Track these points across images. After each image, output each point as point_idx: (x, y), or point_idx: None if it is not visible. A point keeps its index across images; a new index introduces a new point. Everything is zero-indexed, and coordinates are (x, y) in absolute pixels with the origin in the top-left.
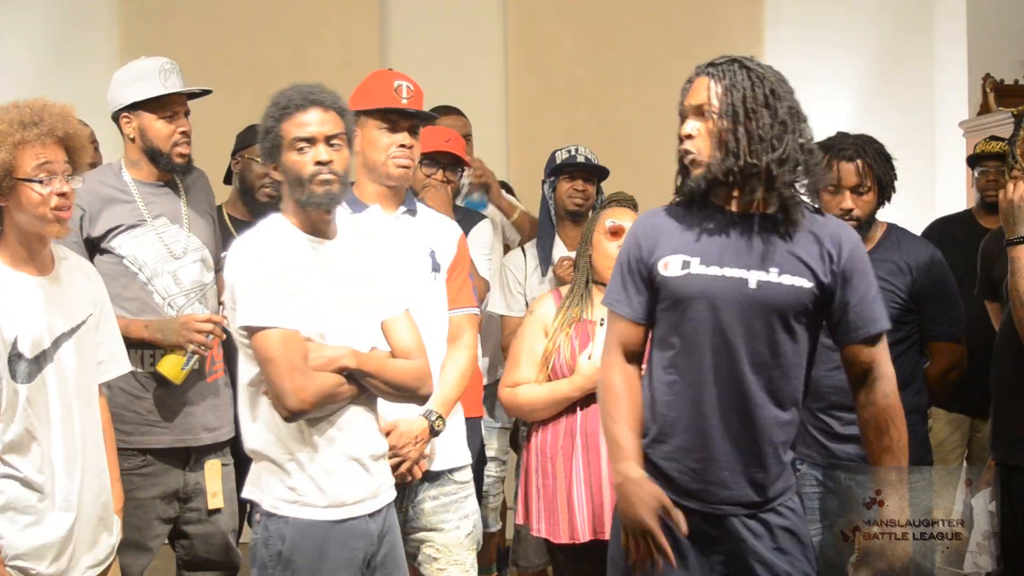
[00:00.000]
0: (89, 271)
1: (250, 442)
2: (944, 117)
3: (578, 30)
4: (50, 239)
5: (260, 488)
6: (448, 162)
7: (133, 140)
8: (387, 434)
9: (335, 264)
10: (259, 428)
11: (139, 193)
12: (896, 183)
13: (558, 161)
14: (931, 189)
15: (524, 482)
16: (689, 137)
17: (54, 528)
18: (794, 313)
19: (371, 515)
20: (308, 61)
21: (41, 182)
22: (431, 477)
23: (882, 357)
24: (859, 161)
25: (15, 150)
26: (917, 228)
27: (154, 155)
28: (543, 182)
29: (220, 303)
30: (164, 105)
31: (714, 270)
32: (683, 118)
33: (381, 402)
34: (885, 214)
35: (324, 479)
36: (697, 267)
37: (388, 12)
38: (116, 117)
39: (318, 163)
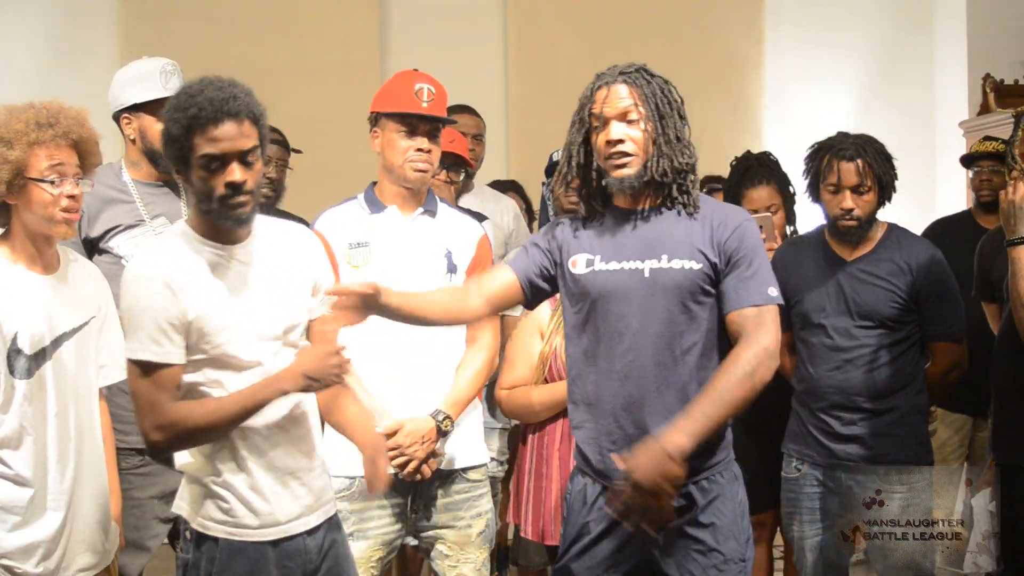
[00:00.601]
0: (95, 274)
1: (179, 459)
2: (944, 117)
3: (578, 30)
4: (56, 240)
5: (189, 505)
6: (451, 162)
7: (133, 141)
8: (394, 433)
9: (240, 270)
10: (183, 453)
11: (138, 193)
12: (896, 183)
13: (555, 160)
14: (931, 189)
15: (516, 483)
16: (620, 141)
17: (43, 527)
18: (690, 294)
19: (310, 532)
20: (308, 61)
21: (52, 183)
22: (444, 475)
23: (757, 324)
24: (859, 161)
25: (29, 149)
26: (917, 228)
27: (154, 156)
28: (543, 183)
29: None
30: (165, 107)
31: (613, 265)
32: (598, 124)
33: (390, 401)
34: (885, 214)
35: (255, 499)
36: (599, 264)
37: (388, 12)
38: (117, 117)
39: (229, 184)
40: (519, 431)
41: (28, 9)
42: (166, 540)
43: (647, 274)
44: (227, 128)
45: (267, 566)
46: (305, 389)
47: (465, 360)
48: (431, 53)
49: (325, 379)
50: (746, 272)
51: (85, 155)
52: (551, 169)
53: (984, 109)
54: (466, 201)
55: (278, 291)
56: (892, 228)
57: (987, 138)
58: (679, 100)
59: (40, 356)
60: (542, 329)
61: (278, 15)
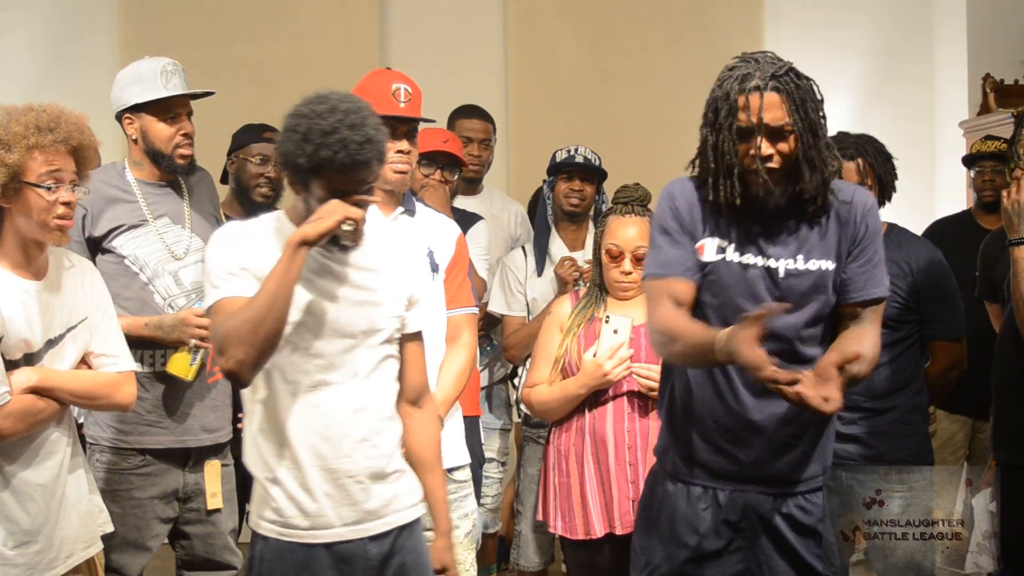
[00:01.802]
0: (89, 273)
1: (246, 457)
2: (944, 117)
3: (578, 30)
4: (48, 245)
5: (253, 503)
6: (446, 162)
7: (136, 141)
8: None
9: (328, 263)
10: (247, 444)
11: (142, 193)
12: (896, 182)
13: (557, 160)
14: (931, 189)
15: (543, 481)
16: (770, 158)
17: (23, 517)
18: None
19: (373, 538)
20: (308, 61)
21: (48, 188)
22: (446, 479)
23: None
24: (860, 160)
25: (27, 153)
26: (917, 228)
27: (155, 156)
28: (544, 181)
29: None
30: (166, 107)
31: (748, 258)
32: (749, 134)
33: None
34: (885, 214)
35: (305, 498)
36: (731, 254)
37: (388, 12)
38: (119, 117)
39: (349, 221)
40: (519, 431)
41: (28, 9)
42: (166, 540)
43: (782, 273)
44: (357, 174)
45: (318, 569)
46: (304, 240)
47: (448, 360)
48: (431, 53)
49: (326, 225)
50: (874, 259)
51: (83, 162)
52: (555, 168)
53: (984, 109)
54: (473, 204)
55: (365, 294)
56: (892, 228)
57: (989, 138)
58: (822, 99)
59: (20, 363)
60: (563, 326)
61: (278, 15)
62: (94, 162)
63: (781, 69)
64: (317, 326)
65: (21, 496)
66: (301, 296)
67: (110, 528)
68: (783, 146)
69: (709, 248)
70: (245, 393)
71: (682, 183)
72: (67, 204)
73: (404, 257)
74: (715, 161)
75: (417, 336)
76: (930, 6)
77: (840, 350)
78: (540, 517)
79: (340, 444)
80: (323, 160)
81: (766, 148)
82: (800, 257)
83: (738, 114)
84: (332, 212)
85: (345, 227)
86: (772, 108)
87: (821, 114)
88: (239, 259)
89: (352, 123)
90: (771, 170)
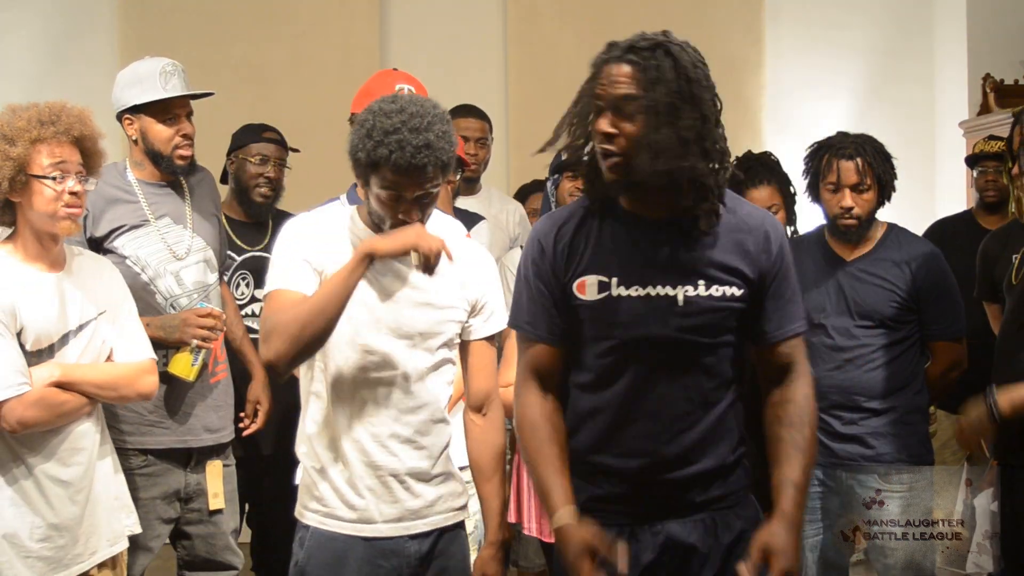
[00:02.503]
0: (107, 268)
1: (298, 448)
2: (944, 117)
3: (578, 30)
4: (62, 236)
5: (300, 492)
6: None
7: (136, 142)
8: None
9: (392, 264)
10: (300, 432)
11: (143, 193)
12: (896, 182)
13: (562, 159)
14: (931, 189)
15: (516, 481)
16: (609, 136)
17: (48, 511)
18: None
19: (413, 536)
20: (308, 61)
21: (54, 179)
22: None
23: (801, 355)
24: (859, 159)
25: (31, 147)
26: (917, 228)
27: (155, 157)
28: (547, 179)
29: (223, 304)
30: (165, 108)
31: (636, 290)
32: (596, 109)
33: None
34: (885, 214)
35: (349, 492)
36: (617, 288)
37: (388, 12)
38: (119, 118)
39: (404, 222)
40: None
41: (28, 9)
42: (168, 540)
43: (681, 302)
44: (411, 176)
45: (354, 559)
46: (372, 254)
47: None
48: (431, 53)
49: (397, 246)
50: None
51: (89, 153)
52: (558, 167)
53: (984, 109)
54: (472, 203)
55: (426, 295)
56: (892, 228)
57: (992, 138)
58: (703, 84)
59: (44, 354)
60: None
61: (278, 15)
62: (100, 154)
63: (644, 42)
64: (375, 324)
65: (47, 490)
66: (363, 293)
67: (137, 530)
68: (627, 126)
69: (590, 286)
70: (302, 382)
71: (549, 219)
72: (74, 194)
73: (470, 263)
74: (571, 135)
75: (486, 342)
76: (930, 6)
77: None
78: (513, 519)
79: (387, 442)
80: (380, 158)
81: (606, 123)
82: (701, 283)
83: (596, 87)
84: (406, 237)
85: (413, 258)
86: (617, 80)
87: (676, 103)
88: (304, 252)
89: (414, 126)
90: (608, 152)
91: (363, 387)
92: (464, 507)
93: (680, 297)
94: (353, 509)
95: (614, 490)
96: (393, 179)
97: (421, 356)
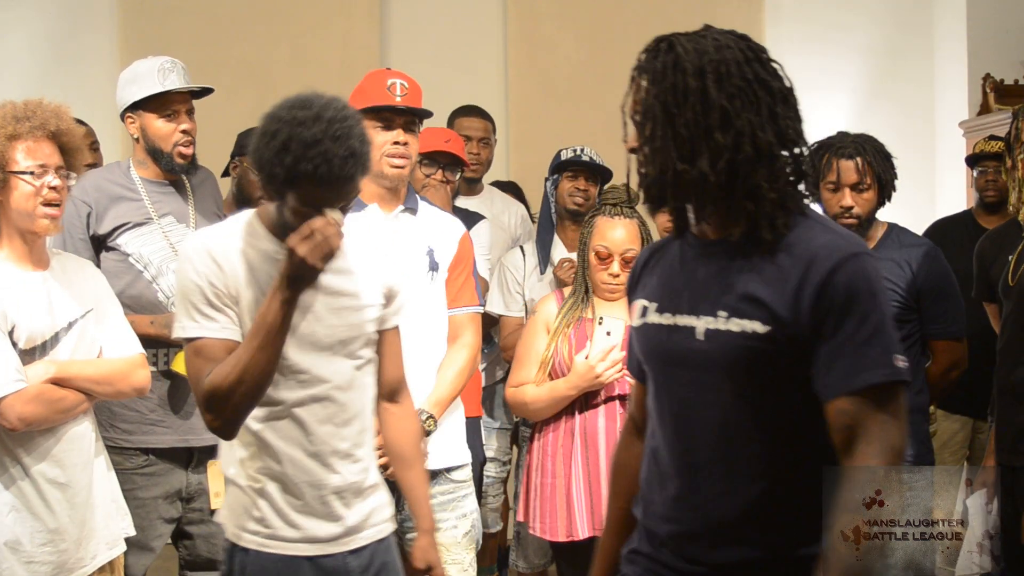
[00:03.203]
0: (87, 266)
1: (223, 463)
2: (944, 117)
3: (578, 30)
4: (43, 236)
5: (227, 512)
6: (447, 162)
7: (137, 140)
8: (376, 434)
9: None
10: (226, 451)
11: (146, 191)
12: (896, 182)
13: (563, 159)
14: (931, 189)
15: (525, 480)
16: (633, 150)
17: (48, 516)
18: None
19: (353, 551)
20: (308, 61)
21: (33, 174)
22: (428, 476)
23: (872, 419)
24: (859, 159)
25: (7, 144)
26: (917, 228)
27: (156, 155)
28: (546, 179)
29: None
30: (164, 104)
31: (666, 317)
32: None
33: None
34: (885, 214)
35: (291, 511)
36: (652, 314)
37: (388, 12)
38: (123, 117)
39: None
40: (517, 431)
41: (28, 8)
42: (169, 540)
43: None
44: (338, 189)
45: None
46: (298, 273)
47: (447, 359)
48: (431, 53)
49: (312, 263)
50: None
51: (68, 149)
52: (560, 166)
53: (984, 109)
54: (475, 203)
55: (342, 300)
56: (892, 227)
57: (992, 138)
58: (725, 70)
59: (37, 352)
60: (549, 326)
61: (278, 15)
62: (82, 151)
63: (652, 43)
64: (297, 342)
65: (46, 494)
66: None
67: (132, 532)
68: (634, 137)
69: (637, 310)
70: None
71: (647, 247)
72: (54, 189)
73: (378, 252)
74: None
75: (393, 330)
76: (930, 6)
77: None
78: (521, 518)
79: (327, 459)
80: (302, 173)
81: (630, 139)
82: (722, 314)
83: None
84: (320, 241)
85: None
86: (634, 87)
87: (674, 99)
88: (215, 281)
89: (335, 134)
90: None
91: (296, 406)
92: (391, 518)
93: (700, 329)
94: (297, 528)
95: (648, 550)
96: (317, 193)
97: (346, 363)
